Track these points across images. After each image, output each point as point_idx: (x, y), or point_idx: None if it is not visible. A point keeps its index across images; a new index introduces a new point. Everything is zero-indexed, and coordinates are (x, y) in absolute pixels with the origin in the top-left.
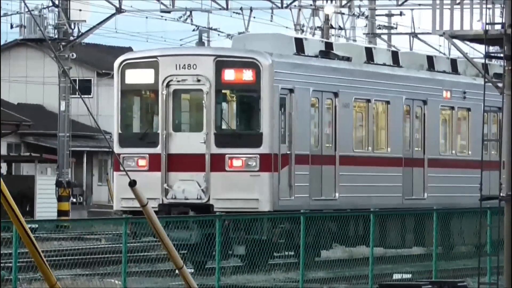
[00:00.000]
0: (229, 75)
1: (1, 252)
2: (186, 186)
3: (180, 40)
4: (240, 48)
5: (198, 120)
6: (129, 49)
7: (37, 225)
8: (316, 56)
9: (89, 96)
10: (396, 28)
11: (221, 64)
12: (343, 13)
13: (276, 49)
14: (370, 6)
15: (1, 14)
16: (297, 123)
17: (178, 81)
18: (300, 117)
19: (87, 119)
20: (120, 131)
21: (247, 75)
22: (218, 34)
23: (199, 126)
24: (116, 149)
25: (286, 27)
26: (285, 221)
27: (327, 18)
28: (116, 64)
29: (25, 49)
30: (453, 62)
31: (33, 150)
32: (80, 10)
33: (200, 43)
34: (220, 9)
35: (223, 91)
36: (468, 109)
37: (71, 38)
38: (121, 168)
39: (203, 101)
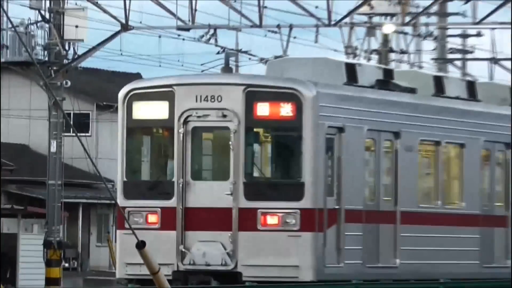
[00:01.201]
0: (262, 109)
1: None
2: (208, 249)
3: (201, 65)
4: (276, 75)
5: (224, 166)
6: (138, 76)
7: None
8: (372, 87)
9: (87, 134)
10: (472, 52)
11: (252, 95)
12: (406, 33)
13: (322, 78)
14: (440, 25)
15: None
16: (347, 170)
17: (199, 116)
18: (352, 163)
19: (84, 163)
20: (125, 179)
21: (286, 109)
22: (249, 58)
23: (224, 174)
24: (120, 201)
25: (335, 50)
26: None
27: (386, 39)
28: (121, 94)
29: (7, 75)
30: None
31: (15, 201)
32: (77, 26)
33: (227, 69)
34: (251, 26)
35: (255, 129)
36: None
37: (65, 61)
38: (126, 226)
39: (230, 142)
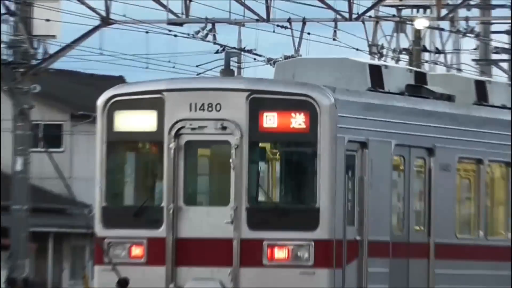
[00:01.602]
0: (270, 120)
1: None
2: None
3: (196, 66)
4: (286, 79)
5: (223, 188)
6: (121, 80)
7: None
8: (401, 93)
9: (59, 149)
10: None
11: (258, 103)
12: (442, 29)
13: (342, 82)
14: (483, 19)
15: None
16: (371, 194)
17: (194, 128)
18: (377, 185)
19: (56, 184)
20: (104, 204)
21: (297, 120)
22: (254, 59)
23: (224, 197)
24: (99, 230)
25: (357, 49)
26: None
27: (418, 36)
28: (100, 102)
29: None
30: None
31: None
32: (48, 20)
33: (227, 71)
34: (257, 20)
35: (260, 144)
36: None
37: (34, 62)
38: (106, 260)
39: (231, 160)
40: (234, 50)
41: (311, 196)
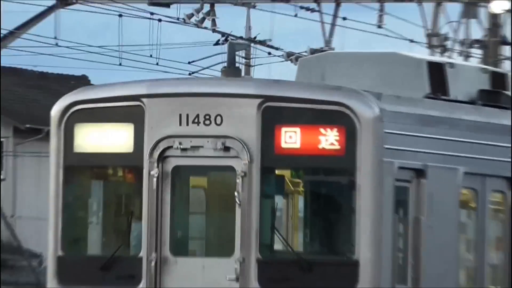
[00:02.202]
0: (290, 138)
1: None
2: None
3: (188, 63)
4: (314, 82)
5: (225, 232)
6: (84, 81)
7: None
8: (472, 102)
9: None
10: None
11: (274, 115)
12: None
13: (390, 86)
14: None
15: None
16: (431, 240)
17: (184, 149)
18: (438, 229)
19: None
20: (61, 252)
21: (329, 138)
22: (269, 53)
23: (226, 245)
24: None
25: (411, 41)
26: None
27: (494, 24)
28: (56, 112)
29: None
30: None
31: None
32: None
33: (232, 70)
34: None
35: (277, 171)
36: None
37: None
38: None
39: (236, 193)
40: (241, 41)
41: (348, 244)
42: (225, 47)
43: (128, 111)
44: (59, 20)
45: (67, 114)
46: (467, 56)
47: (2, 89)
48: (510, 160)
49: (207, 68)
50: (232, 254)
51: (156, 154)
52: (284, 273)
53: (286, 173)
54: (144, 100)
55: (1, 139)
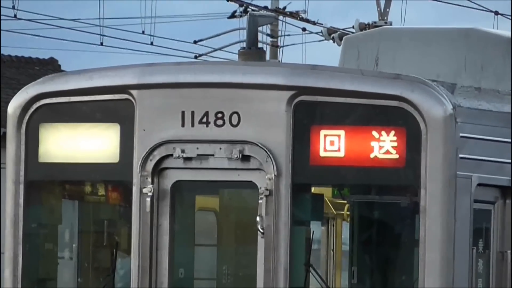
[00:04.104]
0: (332, 144)
1: None
2: None
3: (194, 43)
4: (362, 67)
5: (243, 272)
6: (53, 67)
7: None
8: None
9: None
10: None
11: (310, 112)
12: None
13: (467, 73)
14: None
15: None
16: None
17: (188, 158)
18: None
19: None
20: None
21: (385, 144)
22: (303, 29)
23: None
24: None
25: (496, 13)
26: None
27: None
28: (14, 108)
29: None
30: None
31: None
32: None
33: (253, 52)
34: None
35: (314, 189)
36: None
37: None
38: None
39: (258, 219)
40: (265, 13)
41: (409, 286)
42: (244, 21)
43: (112, 108)
44: None
45: (30, 111)
46: None
47: None
48: None
49: (219, 49)
50: None
51: (150, 165)
52: None
53: (326, 191)
54: (133, 92)
55: None
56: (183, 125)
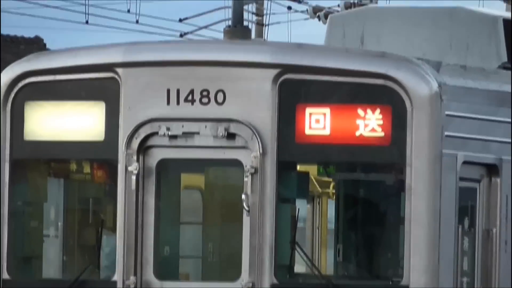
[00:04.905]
0: (317, 122)
1: None
2: None
3: (180, 21)
4: (349, 47)
5: (228, 249)
6: (38, 46)
7: None
8: None
9: None
10: None
11: (295, 91)
12: None
13: (452, 52)
14: None
15: None
16: (507, 259)
17: (174, 136)
18: None
19: None
20: (6, 275)
21: (370, 123)
22: (289, 8)
23: (229, 267)
24: None
25: None
26: None
27: None
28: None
29: None
30: None
31: None
32: None
33: (238, 30)
34: None
35: (299, 167)
36: None
37: None
38: None
39: (243, 196)
40: None
41: (394, 266)
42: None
43: (97, 86)
44: None
45: (15, 90)
46: None
47: None
48: None
49: (205, 27)
50: (238, 278)
51: (136, 143)
52: None
53: (312, 169)
54: (119, 70)
55: None
56: (168, 103)
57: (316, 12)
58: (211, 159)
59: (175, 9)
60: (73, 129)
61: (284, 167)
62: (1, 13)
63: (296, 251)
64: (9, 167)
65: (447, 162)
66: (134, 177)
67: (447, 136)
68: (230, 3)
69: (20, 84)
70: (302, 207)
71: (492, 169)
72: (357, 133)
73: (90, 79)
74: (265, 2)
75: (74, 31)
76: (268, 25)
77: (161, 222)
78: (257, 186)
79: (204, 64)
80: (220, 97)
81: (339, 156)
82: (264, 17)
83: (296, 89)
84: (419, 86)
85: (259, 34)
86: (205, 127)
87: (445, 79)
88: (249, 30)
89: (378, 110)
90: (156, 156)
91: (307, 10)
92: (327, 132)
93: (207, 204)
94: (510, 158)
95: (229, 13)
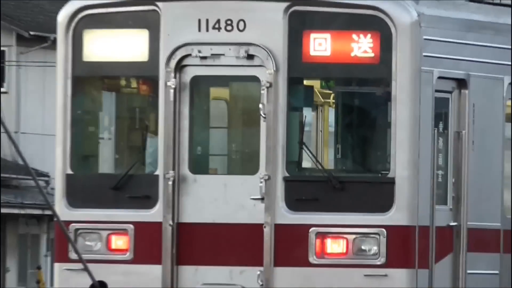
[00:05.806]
0: (320, 45)
1: None
2: None
3: None
4: None
5: (248, 148)
6: None
7: None
8: None
9: (1, 90)
10: None
11: (302, 20)
12: None
13: None
14: None
15: None
16: (474, 157)
17: (204, 57)
18: (482, 144)
19: None
20: (70, 171)
21: (362, 45)
22: None
23: (250, 162)
24: (61, 210)
25: None
26: None
27: None
28: (62, 17)
29: None
30: None
31: None
32: None
33: None
34: None
35: (305, 81)
36: None
37: None
38: (72, 255)
39: (261, 105)
40: None
41: (382, 161)
42: None
43: (142, 16)
44: None
45: (76, 20)
46: None
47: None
48: None
49: None
50: (257, 172)
51: (173, 63)
52: (313, 192)
53: (316, 83)
54: (159, 4)
55: (2, 48)
56: (199, 31)
57: None
58: (234, 76)
59: None
60: (123, 52)
61: (293, 82)
62: None
63: (303, 150)
64: (71, 83)
65: (425, 77)
66: (172, 90)
67: (425, 56)
68: None
69: (80, 15)
70: (308, 114)
71: (461, 83)
72: (352, 54)
73: (136, 11)
74: None
75: None
76: None
77: (194, 127)
78: (272, 97)
79: None
80: (241, 25)
81: (337, 72)
82: None
83: (303, 18)
84: (402, 16)
85: None
86: (229, 49)
87: (423, 10)
88: None
89: (369, 35)
90: (189, 73)
91: None
92: (328, 53)
93: (231, 112)
94: (476, 74)
95: None
